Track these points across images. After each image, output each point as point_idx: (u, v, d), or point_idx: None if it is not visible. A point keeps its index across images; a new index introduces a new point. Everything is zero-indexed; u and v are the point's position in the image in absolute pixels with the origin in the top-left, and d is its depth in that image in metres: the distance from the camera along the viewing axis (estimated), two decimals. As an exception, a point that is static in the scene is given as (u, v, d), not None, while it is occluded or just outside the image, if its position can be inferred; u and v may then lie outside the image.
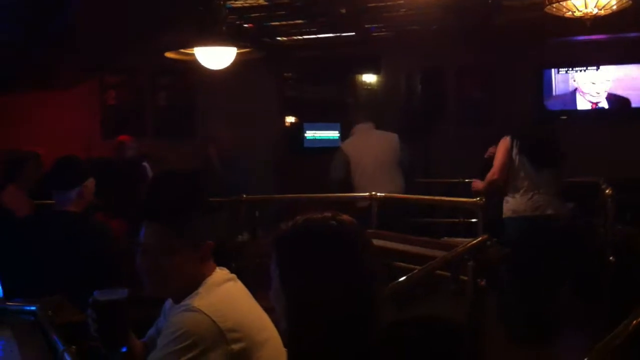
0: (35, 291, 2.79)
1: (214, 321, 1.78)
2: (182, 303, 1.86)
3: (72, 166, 3.36)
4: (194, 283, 1.91)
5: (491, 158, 4.91)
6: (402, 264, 4.54)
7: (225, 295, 1.90)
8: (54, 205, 3.32)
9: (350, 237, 1.45)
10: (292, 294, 1.41)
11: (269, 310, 2.03)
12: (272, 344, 1.90)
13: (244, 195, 5.54)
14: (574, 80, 8.56)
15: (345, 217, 1.47)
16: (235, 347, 1.79)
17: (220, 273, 1.98)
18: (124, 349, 1.91)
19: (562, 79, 8.62)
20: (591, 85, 8.47)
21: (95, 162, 5.95)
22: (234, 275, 2.03)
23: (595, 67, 8.41)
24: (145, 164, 6.59)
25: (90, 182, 3.31)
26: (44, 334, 2.25)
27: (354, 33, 7.65)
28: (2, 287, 2.36)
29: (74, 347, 2.16)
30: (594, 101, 8.49)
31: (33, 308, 2.36)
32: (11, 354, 2.05)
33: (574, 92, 8.57)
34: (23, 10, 4.46)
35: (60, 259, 3.07)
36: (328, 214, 1.46)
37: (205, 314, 1.78)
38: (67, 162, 3.39)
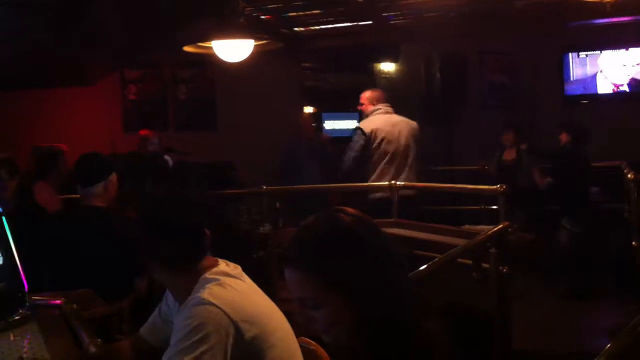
0: (63, 285, 2.85)
1: (225, 313, 1.82)
2: (192, 296, 1.89)
3: (96, 162, 3.42)
4: (192, 283, 1.96)
5: None
6: (422, 252, 4.54)
7: (234, 286, 1.93)
8: (79, 201, 3.39)
9: (371, 225, 1.44)
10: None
11: (289, 300, 2.04)
12: (282, 331, 1.94)
13: (264, 187, 5.55)
14: (597, 63, 8.44)
15: (351, 210, 1.45)
16: (247, 335, 1.83)
17: (226, 268, 2.00)
18: None
19: (581, 63, 8.50)
20: (617, 68, 8.34)
21: (118, 157, 6.02)
22: (239, 268, 2.05)
23: (618, 49, 8.29)
24: (167, 157, 6.64)
25: (114, 177, 3.36)
26: (70, 328, 2.30)
27: (371, 22, 7.60)
28: (30, 282, 2.41)
29: (99, 340, 2.20)
30: (618, 83, 8.36)
31: (58, 302, 2.41)
32: (38, 348, 2.09)
33: (594, 76, 8.45)
34: (51, 8, 4.49)
35: (88, 253, 3.13)
36: (339, 211, 1.44)
37: (217, 306, 1.83)
38: (90, 158, 3.45)
